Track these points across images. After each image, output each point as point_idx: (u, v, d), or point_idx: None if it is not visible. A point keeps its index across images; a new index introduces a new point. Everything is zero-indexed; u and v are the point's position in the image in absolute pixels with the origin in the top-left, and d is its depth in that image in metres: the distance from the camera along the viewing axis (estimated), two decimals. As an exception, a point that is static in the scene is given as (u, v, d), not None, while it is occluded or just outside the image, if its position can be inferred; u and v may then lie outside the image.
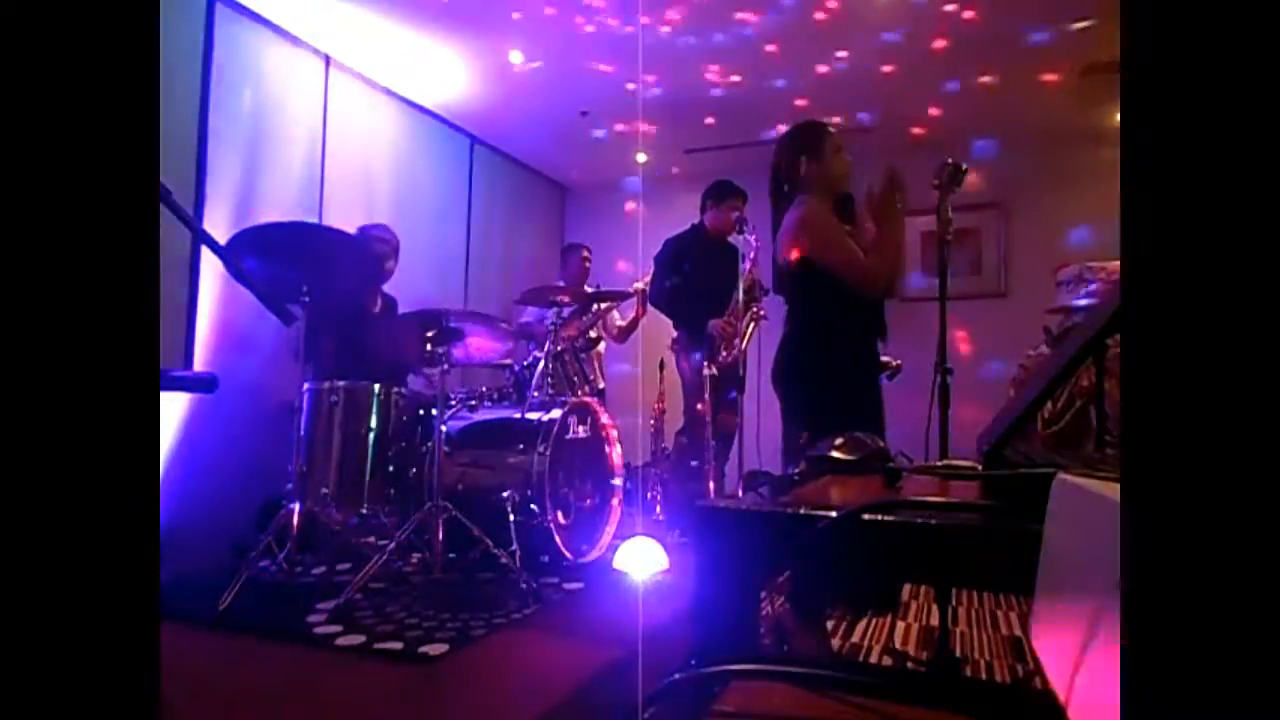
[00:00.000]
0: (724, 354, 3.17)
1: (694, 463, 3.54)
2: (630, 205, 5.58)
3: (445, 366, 2.59)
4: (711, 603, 0.77)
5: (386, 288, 3.60)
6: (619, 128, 4.67)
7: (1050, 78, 3.88)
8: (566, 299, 3.26)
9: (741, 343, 3.21)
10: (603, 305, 4.05)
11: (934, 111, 4.31)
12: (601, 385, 4.30)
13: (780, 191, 2.39)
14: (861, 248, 2.28)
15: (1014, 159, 4.58)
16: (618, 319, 4.44)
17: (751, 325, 3.24)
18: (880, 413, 2.36)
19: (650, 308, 4.00)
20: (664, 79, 4.01)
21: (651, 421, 3.95)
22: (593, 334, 4.19)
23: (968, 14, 3.34)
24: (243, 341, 3.26)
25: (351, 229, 3.45)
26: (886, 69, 3.84)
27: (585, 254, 4.53)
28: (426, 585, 2.50)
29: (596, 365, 4.31)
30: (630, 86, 4.09)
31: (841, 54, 3.71)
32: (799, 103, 4.24)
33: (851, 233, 2.35)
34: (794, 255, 2.29)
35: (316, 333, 3.18)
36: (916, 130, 4.52)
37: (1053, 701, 0.46)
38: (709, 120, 4.49)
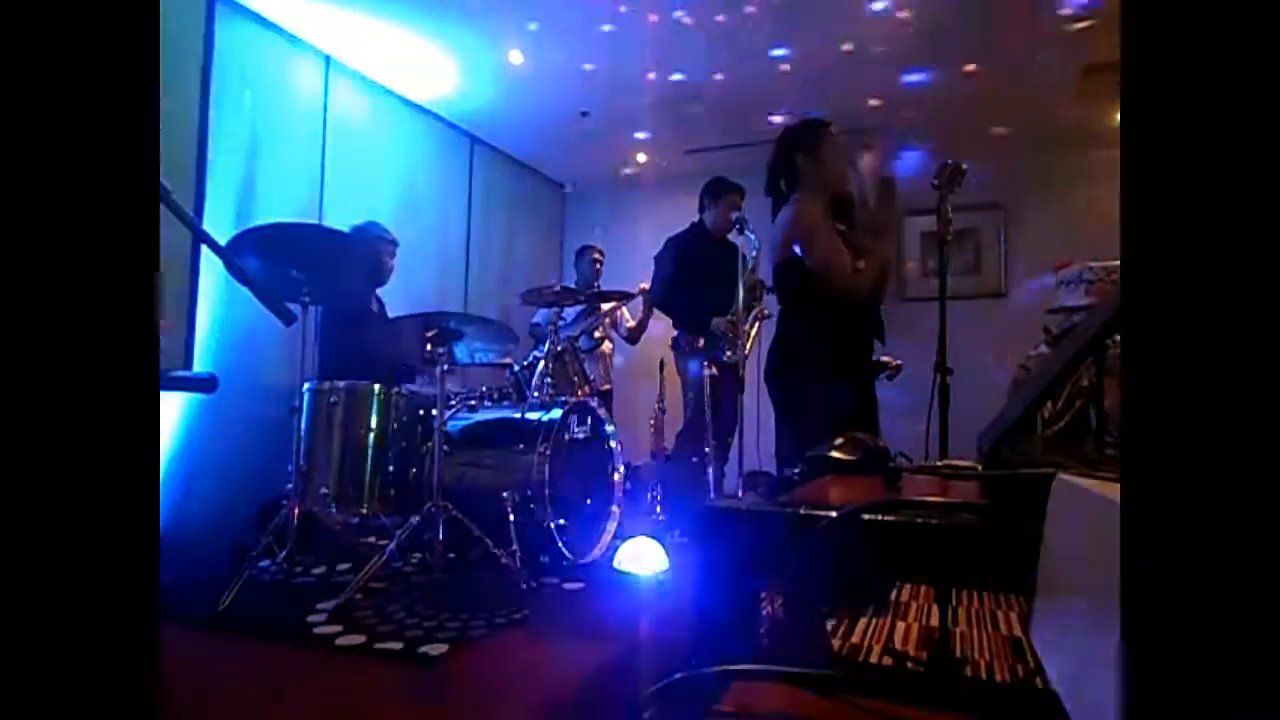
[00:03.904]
0: (729, 353, 3.16)
1: (694, 460, 3.54)
2: (630, 205, 5.58)
3: (445, 366, 2.59)
4: (711, 603, 0.77)
5: (386, 286, 3.60)
6: (619, 128, 4.67)
7: (1050, 78, 3.88)
8: (567, 299, 3.25)
9: (746, 342, 3.20)
10: (606, 306, 4.04)
11: (934, 111, 4.30)
12: (607, 386, 4.30)
13: (777, 188, 2.39)
14: (855, 250, 2.27)
15: (1014, 159, 4.58)
16: (628, 319, 4.44)
17: (756, 324, 3.24)
18: (874, 414, 2.36)
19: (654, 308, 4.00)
20: (664, 78, 4.01)
21: (651, 421, 3.95)
22: (597, 334, 4.18)
23: (968, 13, 3.34)
24: (243, 341, 3.26)
25: (351, 229, 3.45)
26: (886, 69, 3.84)
27: (597, 255, 4.54)
28: (426, 585, 2.50)
29: (602, 366, 4.31)
30: (630, 86, 4.09)
31: (842, 53, 3.71)
32: (799, 102, 4.24)
33: (846, 234, 2.34)
34: (782, 256, 2.30)
35: (317, 333, 3.18)
36: (916, 130, 4.52)
37: (1053, 701, 0.46)
38: (709, 120, 4.49)
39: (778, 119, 4.44)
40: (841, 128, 2.46)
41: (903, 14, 3.36)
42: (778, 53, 3.73)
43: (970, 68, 3.82)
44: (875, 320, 2.46)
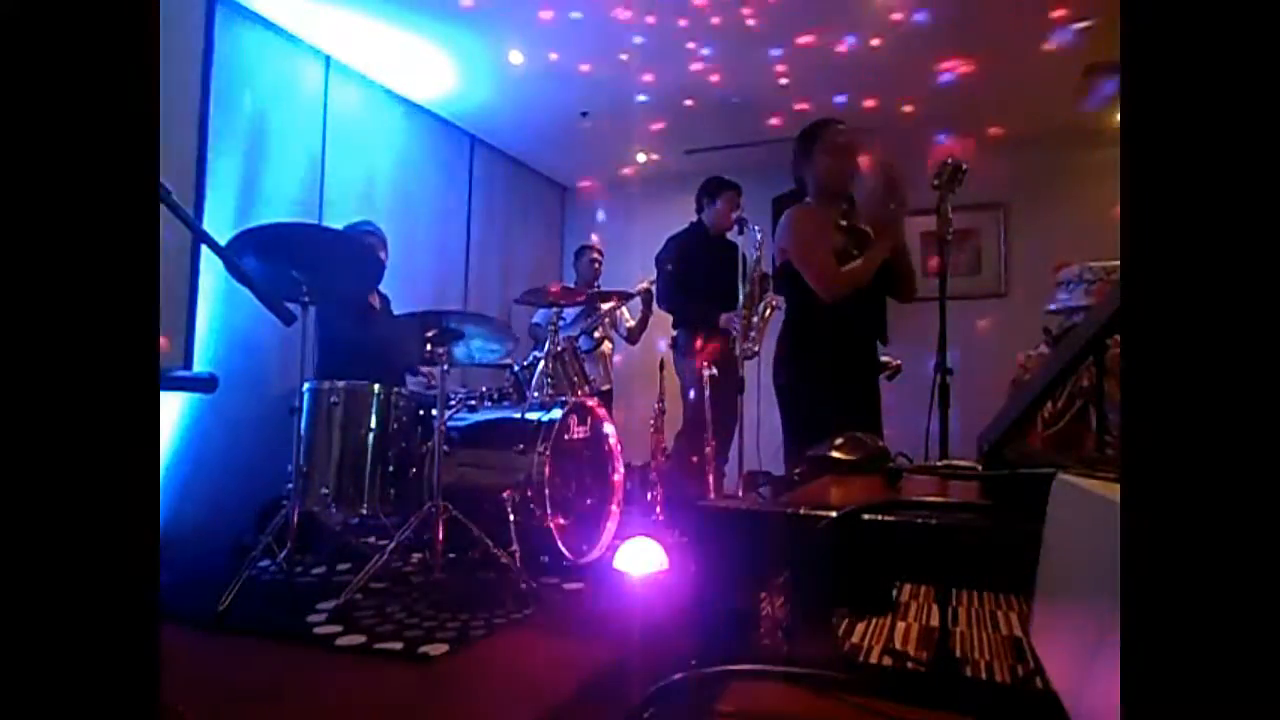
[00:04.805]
0: (742, 346, 3.15)
1: (694, 460, 3.54)
2: (630, 205, 5.58)
3: (445, 366, 2.59)
4: (711, 603, 0.77)
5: (382, 282, 3.59)
6: (619, 128, 4.67)
7: (1050, 78, 3.88)
8: (567, 299, 3.25)
9: (758, 334, 3.20)
10: (606, 305, 4.04)
11: (934, 111, 4.31)
12: (607, 386, 4.30)
13: (799, 189, 2.46)
14: (857, 250, 2.29)
15: (1014, 159, 4.58)
16: (628, 319, 4.44)
17: (770, 311, 3.23)
18: (876, 413, 2.37)
19: (655, 306, 4.00)
20: (664, 79, 4.01)
21: (651, 421, 3.94)
22: (597, 334, 4.18)
23: (967, 14, 3.34)
24: (243, 341, 3.26)
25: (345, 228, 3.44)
26: (886, 69, 3.84)
27: (596, 255, 4.54)
28: (426, 585, 2.49)
29: (602, 366, 4.31)
30: (631, 86, 4.09)
31: (840, 53, 3.71)
32: (798, 103, 4.24)
33: (850, 231, 2.35)
34: (780, 260, 2.36)
35: (318, 333, 3.18)
36: (916, 130, 4.52)
37: (1053, 701, 0.46)
38: (709, 120, 4.49)
39: (776, 120, 4.45)
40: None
41: (902, 14, 3.37)
42: (777, 53, 3.73)
43: (970, 67, 3.82)
44: (878, 320, 2.47)
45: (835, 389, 2.23)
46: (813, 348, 2.32)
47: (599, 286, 4.46)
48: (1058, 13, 3.32)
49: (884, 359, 2.72)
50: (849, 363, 2.32)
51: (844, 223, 2.33)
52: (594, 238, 4.88)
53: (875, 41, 3.59)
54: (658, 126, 4.63)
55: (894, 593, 2.64)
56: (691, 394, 3.70)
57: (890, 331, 2.52)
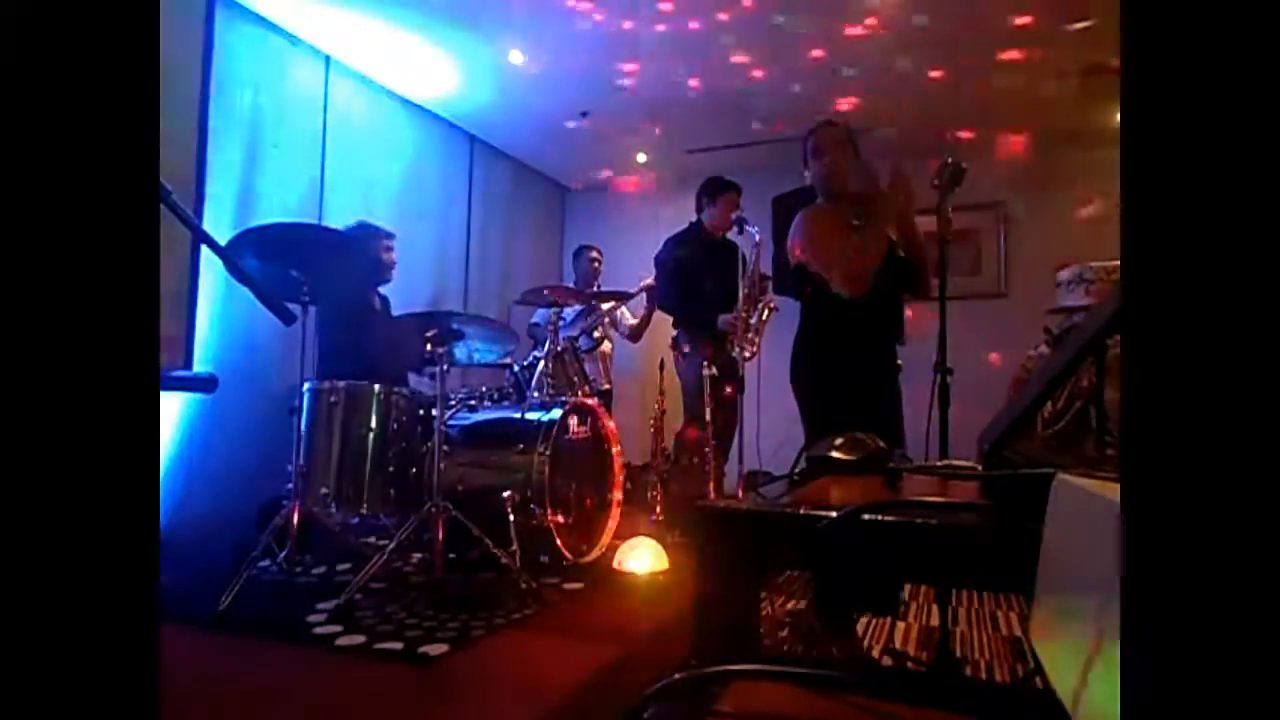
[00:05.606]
0: (740, 349, 3.15)
1: (694, 460, 3.54)
2: (630, 205, 5.58)
3: (445, 366, 2.59)
4: (711, 603, 0.77)
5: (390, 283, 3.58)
6: (619, 128, 4.67)
7: (1050, 78, 3.88)
8: (567, 299, 3.25)
9: (755, 336, 3.20)
10: (606, 305, 4.04)
11: (934, 111, 4.30)
12: (607, 386, 4.30)
13: (813, 194, 2.53)
14: (863, 247, 2.30)
15: (1014, 159, 4.58)
16: (629, 318, 4.44)
17: (767, 313, 3.24)
18: (897, 413, 2.38)
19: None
20: (664, 79, 4.01)
21: (651, 421, 3.94)
22: (597, 334, 4.18)
23: (968, 13, 3.34)
24: (243, 341, 3.26)
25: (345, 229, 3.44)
26: (887, 68, 3.84)
27: (595, 255, 4.54)
28: (426, 585, 2.50)
29: (602, 366, 4.31)
30: (630, 86, 4.09)
31: (841, 52, 3.71)
32: (799, 103, 4.24)
33: (859, 229, 2.36)
34: (793, 262, 2.38)
35: (319, 333, 3.18)
36: (916, 130, 4.52)
37: (1053, 701, 0.46)
38: (709, 120, 4.49)
39: (776, 120, 4.44)
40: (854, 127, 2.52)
41: (903, 14, 3.37)
42: (777, 53, 3.73)
43: (971, 67, 3.82)
44: (894, 320, 2.49)
45: (851, 389, 2.25)
46: (828, 347, 2.34)
47: (598, 286, 4.46)
48: (1058, 14, 3.32)
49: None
50: (865, 362, 2.34)
51: (856, 223, 2.34)
52: (593, 238, 4.87)
53: (876, 42, 3.59)
54: (658, 127, 4.62)
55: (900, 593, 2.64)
56: (691, 394, 3.69)
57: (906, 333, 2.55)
